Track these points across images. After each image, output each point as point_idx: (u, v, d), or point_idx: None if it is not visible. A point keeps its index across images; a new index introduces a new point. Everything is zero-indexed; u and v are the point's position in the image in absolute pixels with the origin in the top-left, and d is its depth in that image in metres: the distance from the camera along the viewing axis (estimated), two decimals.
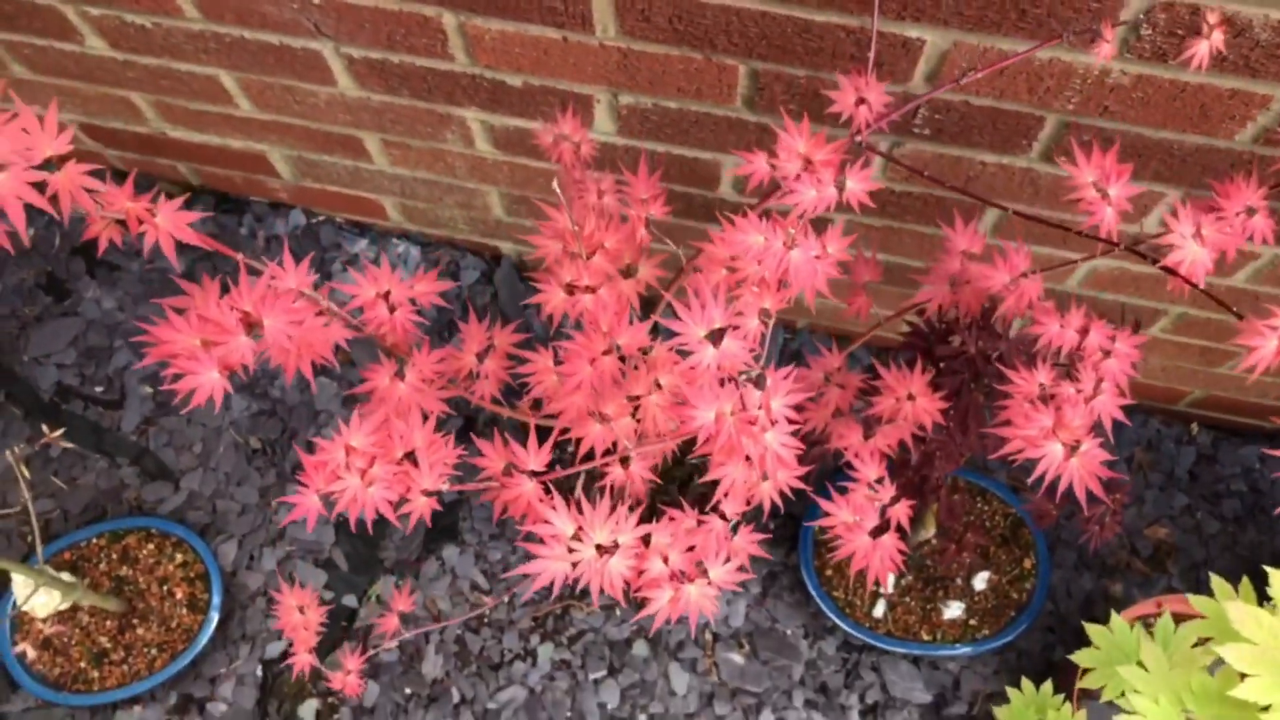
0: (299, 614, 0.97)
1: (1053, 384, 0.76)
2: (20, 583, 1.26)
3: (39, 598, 1.27)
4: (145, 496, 1.42)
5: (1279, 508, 1.45)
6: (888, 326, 0.99)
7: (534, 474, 0.70)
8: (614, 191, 0.88)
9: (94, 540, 1.36)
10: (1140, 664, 0.74)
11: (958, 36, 0.89)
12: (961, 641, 1.33)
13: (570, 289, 0.76)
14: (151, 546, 1.36)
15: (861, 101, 0.74)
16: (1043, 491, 0.75)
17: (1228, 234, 0.68)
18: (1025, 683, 0.94)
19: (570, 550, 0.63)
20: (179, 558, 1.36)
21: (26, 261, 1.53)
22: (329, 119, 1.26)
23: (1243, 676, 0.61)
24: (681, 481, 1.23)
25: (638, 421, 0.75)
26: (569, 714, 1.34)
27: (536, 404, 0.89)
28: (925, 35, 0.90)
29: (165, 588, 1.34)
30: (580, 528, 0.63)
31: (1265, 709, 0.60)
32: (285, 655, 1.35)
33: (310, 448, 1.44)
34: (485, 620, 1.37)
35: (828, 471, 1.28)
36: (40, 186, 0.55)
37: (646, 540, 0.67)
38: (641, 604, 0.70)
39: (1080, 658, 0.86)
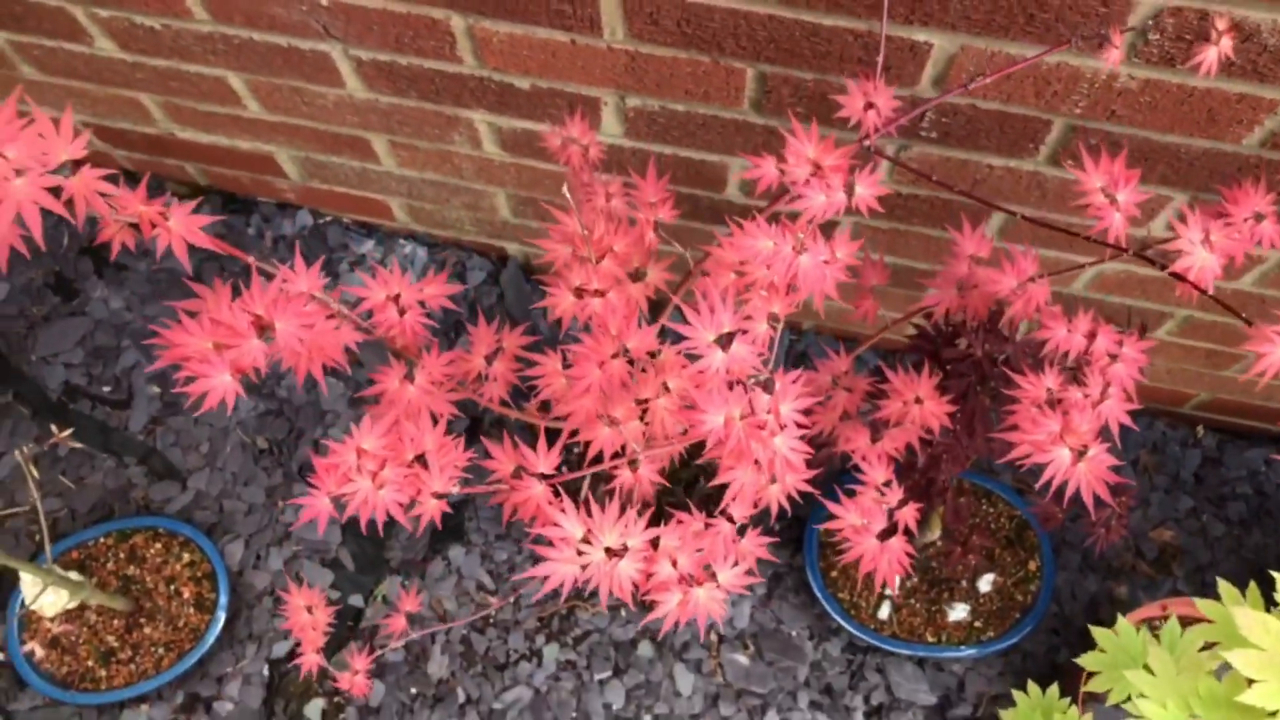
0: (307, 614, 0.98)
1: (1060, 389, 0.76)
2: (28, 582, 1.26)
3: (47, 597, 1.27)
4: (153, 496, 1.42)
5: None
6: (894, 329, 0.99)
7: (543, 477, 0.70)
8: (622, 194, 0.89)
9: (101, 539, 1.36)
10: (1147, 668, 0.74)
11: (965, 40, 0.90)
12: (966, 643, 1.33)
13: (579, 292, 0.76)
14: (159, 546, 1.37)
15: (870, 106, 0.74)
16: (1050, 496, 0.75)
17: (1236, 239, 0.68)
18: (1031, 686, 0.94)
19: (579, 553, 0.63)
20: (186, 557, 1.36)
21: (35, 261, 1.53)
22: (337, 120, 1.27)
23: (1250, 682, 0.62)
24: (687, 483, 1.23)
25: (646, 424, 0.75)
26: (574, 714, 1.34)
27: (544, 406, 0.90)
28: (933, 39, 0.90)
29: (172, 587, 1.35)
30: (589, 530, 0.63)
31: (1273, 714, 0.60)
32: (291, 654, 1.36)
33: (318, 448, 1.45)
34: (491, 620, 1.38)
35: (834, 473, 1.28)
36: (56, 191, 0.56)
37: (655, 543, 0.67)
38: (648, 606, 0.70)
39: (1086, 661, 0.86)
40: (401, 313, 0.77)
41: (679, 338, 0.65)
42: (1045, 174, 1.06)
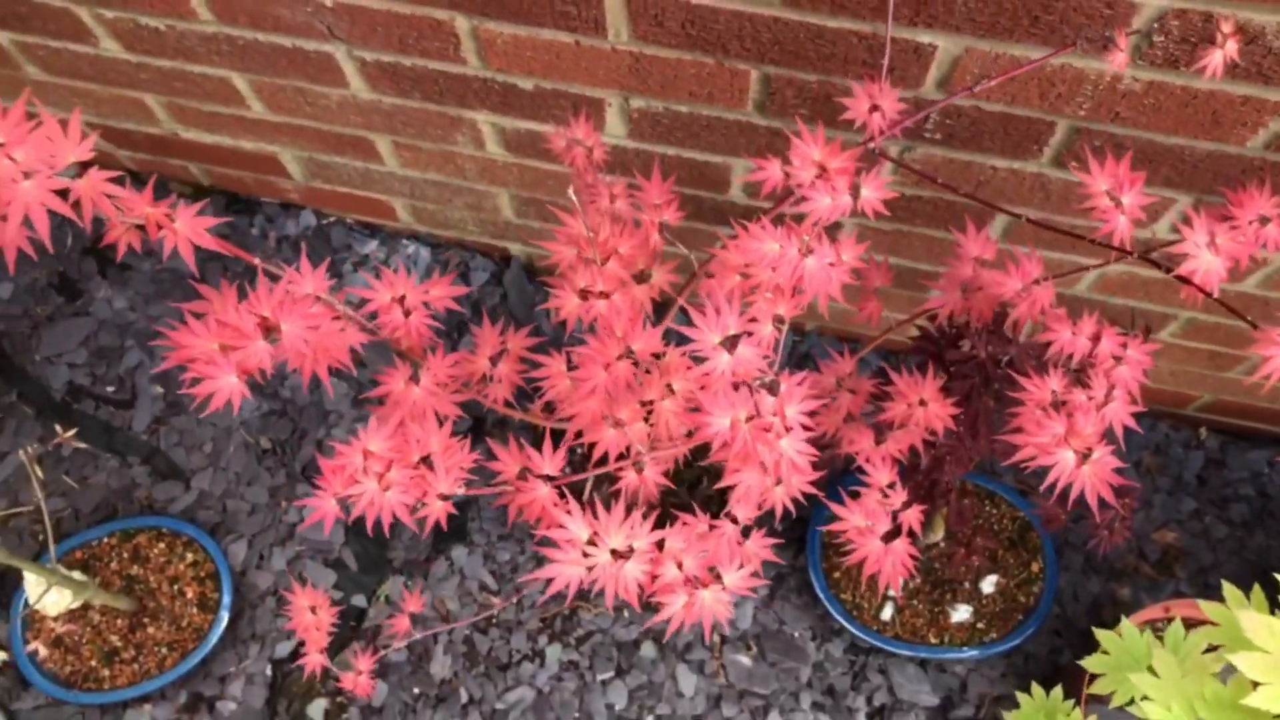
0: (311, 614, 0.98)
1: (1065, 391, 0.76)
2: (32, 581, 1.27)
3: (50, 596, 1.27)
4: (156, 496, 1.42)
5: None
6: (897, 330, 0.99)
7: (548, 478, 0.70)
8: (626, 196, 0.89)
9: (105, 539, 1.36)
10: (1151, 670, 0.74)
11: (970, 42, 0.90)
12: (969, 645, 1.33)
13: (584, 294, 0.76)
14: (162, 545, 1.37)
15: (875, 108, 0.74)
16: (1054, 498, 0.75)
17: (1241, 243, 0.68)
18: (1035, 688, 0.94)
19: (585, 555, 0.63)
20: (189, 557, 1.36)
21: (39, 261, 1.54)
22: (341, 121, 1.27)
23: (1255, 685, 0.62)
24: (690, 484, 1.23)
25: (650, 426, 0.75)
26: (577, 715, 1.34)
27: (548, 407, 0.90)
28: (938, 41, 0.90)
29: (176, 587, 1.35)
30: (595, 532, 0.63)
31: (1278, 718, 0.60)
32: (294, 654, 1.36)
33: (321, 448, 1.45)
34: (493, 621, 1.38)
35: (836, 473, 1.29)
36: (63, 193, 0.56)
37: (660, 545, 0.67)
38: (653, 607, 0.70)
39: (1090, 663, 0.86)
40: (406, 314, 0.77)
41: (683, 339, 0.65)
42: (1049, 175, 1.06)
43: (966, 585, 1.36)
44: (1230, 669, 0.67)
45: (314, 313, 0.66)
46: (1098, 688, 0.86)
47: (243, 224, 1.55)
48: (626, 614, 1.39)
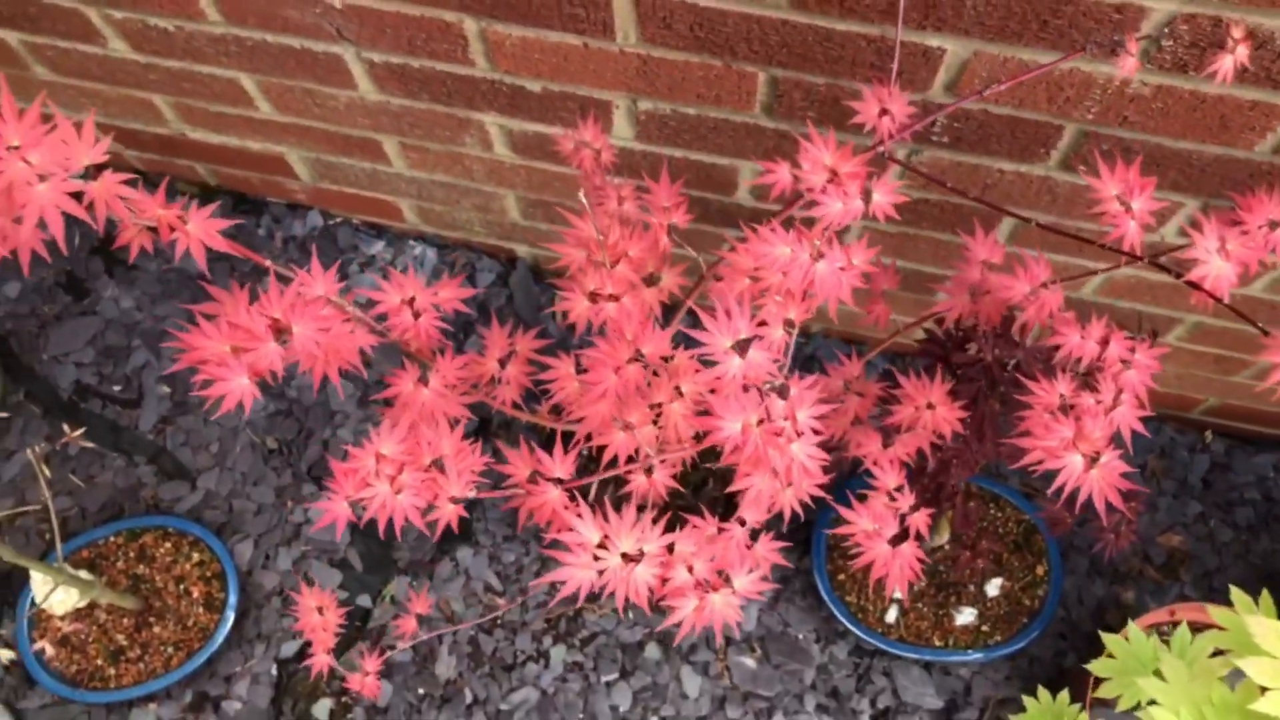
0: (318, 615, 0.98)
1: (1073, 395, 0.76)
2: (39, 580, 1.27)
3: (57, 595, 1.28)
4: (162, 495, 1.43)
5: None
6: (905, 333, 0.99)
7: (559, 481, 0.70)
8: (634, 198, 0.89)
9: (111, 538, 1.37)
10: (1158, 674, 0.74)
11: (979, 46, 0.90)
12: (973, 647, 1.33)
13: (594, 297, 0.76)
14: (168, 545, 1.37)
15: (885, 112, 0.74)
16: (1062, 503, 0.75)
17: (1251, 248, 0.68)
18: (1041, 691, 0.94)
19: (596, 558, 0.64)
20: (195, 556, 1.37)
21: (46, 260, 1.54)
22: (348, 122, 1.27)
23: (1263, 690, 0.62)
24: (695, 486, 1.23)
25: (659, 429, 0.76)
26: (581, 716, 1.34)
27: (556, 409, 0.90)
28: (946, 44, 0.90)
29: (182, 586, 1.35)
30: (606, 536, 0.63)
31: None
32: (300, 654, 1.36)
33: (327, 448, 1.45)
34: (498, 621, 1.38)
35: (843, 476, 1.29)
36: (78, 195, 0.56)
37: (670, 548, 0.67)
38: (660, 609, 0.70)
39: (1096, 667, 0.86)
40: (416, 316, 0.78)
41: (691, 342, 0.65)
42: (1056, 179, 1.06)
43: (971, 588, 1.36)
44: (1237, 674, 0.67)
45: (325, 315, 0.66)
46: (1104, 691, 0.86)
47: (249, 224, 1.55)
48: (631, 615, 1.39)
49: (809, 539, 1.38)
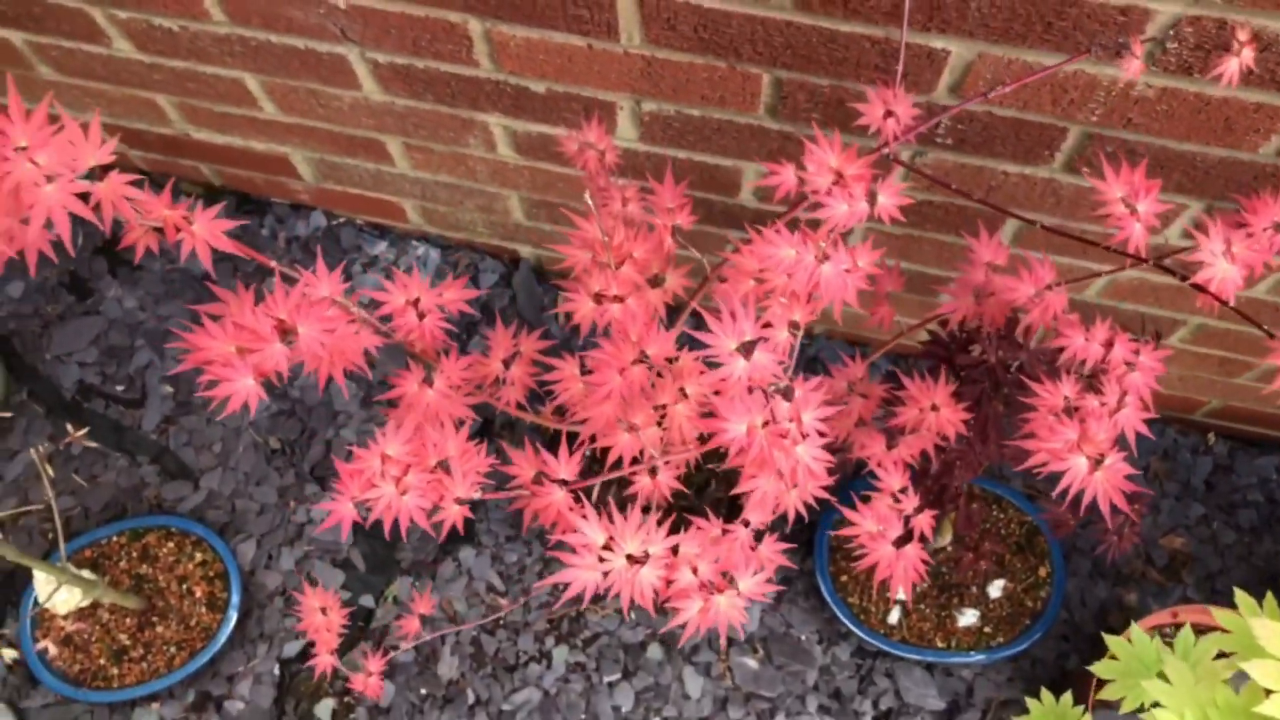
0: (321, 615, 0.98)
1: (1077, 397, 0.76)
2: (42, 580, 1.27)
3: (60, 595, 1.28)
4: (165, 495, 1.43)
5: None
6: (908, 335, 0.99)
7: (564, 483, 0.70)
8: (638, 200, 0.89)
9: (114, 538, 1.37)
10: (1162, 676, 0.74)
11: (983, 48, 0.90)
12: (976, 649, 1.33)
13: (599, 298, 0.76)
14: (171, 545, 1.37)
15: (889, 114, 0.74)
16: (1066, 505, 0.75)
17: (1256, 250, 0.68)
18: (1045, 693, 0.94)
19: (601, 560, 0.64)
20: (198, 556, 1.37)
21: (48, 260, 1.54)
22: (352, 122, 1.27)
23: (1268, 693, 0.62)
24: (698, 488, 1.23)
25: (663, 430, 0.76)
26: (583, 716, 1.34)
27: (559, 410, 0.90)
28: (951, 46, 0.90)
29: (184, 586, 1.35)
30: (611, 537, 0.64)
31: None
32: (302, 654, 1.36)
33: (330, 448, 1.44)
34: (501, 622, 1.38)
35: (846, 477, 1.29)
36: (84, 196, 0.56)
37: (675, 550, 0.67)
38: (664, 611, 0.71)
39: (1100, 669, 0.86)
40: (421, 317, 0.78)
41: (696, 344, 0.65)
42: (1060, 181, 1.06)
43: (974, 590, 1.36)
44: (1241, 676, 0.67)
45: (330, 316, 0.66)
46: (1107, 693, 0.86)
47: (253, 225, 1.55)
48: (633, 616, 1.40)
49: (811, 540, 1.38)
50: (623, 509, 0.66)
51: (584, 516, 0.63)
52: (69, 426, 1.30)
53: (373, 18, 1.05)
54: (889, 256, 1.26)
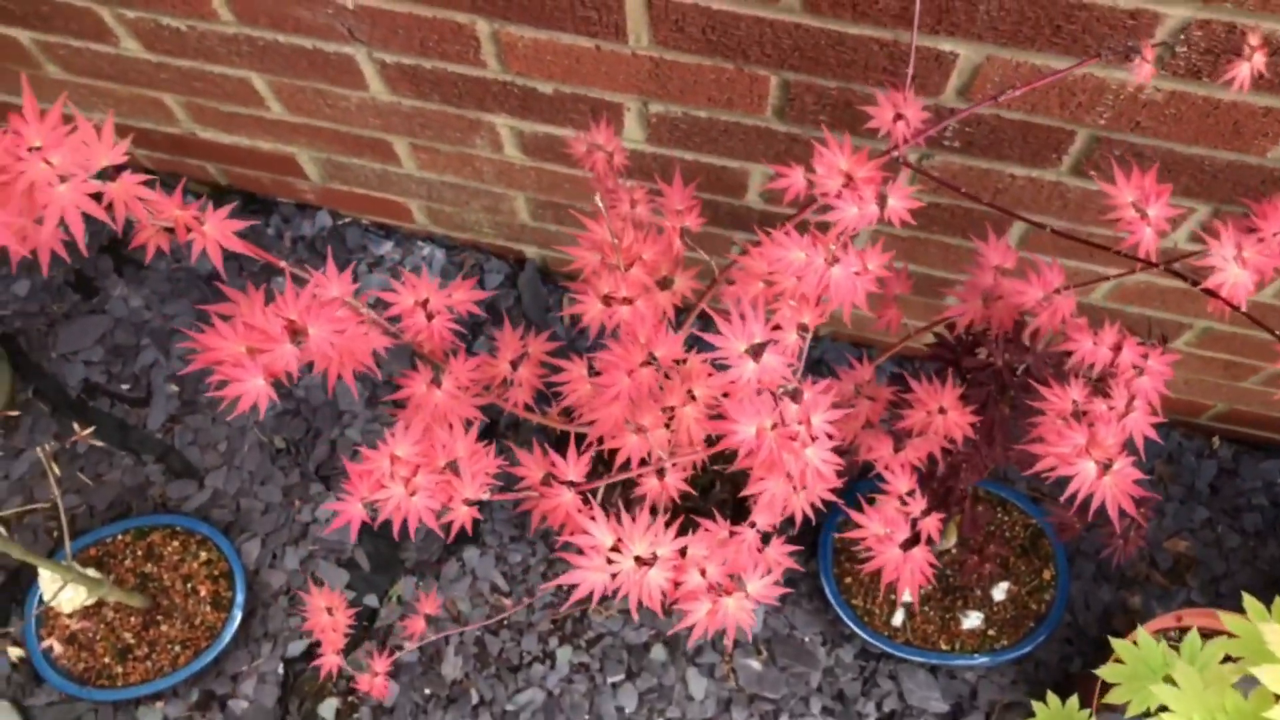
0: (327, 615, 0.98)
1: (1085, 401, 0.76)
2: (47, 578, 1.27)
3: (66, 593, 1.28)
4: (170, 494, 1.43)
5: None
6: (915, 337, 0.99)
7: (572, 484, 0.70)
8: (646, 201, 0.89)
9: (119, 537, 1.37)
10: (1170, 680, 0.74)
11: (991, 51, 0.90)
12: (980, 651, 1.33)
13: (608, 300, 0.76)
14: (176, 544, 1.37)
15: (899, 117, 0.74)
16: (1075, 509, 0.75)
17: (1267, 255, 0.68)
18: (1051, 697, 0.94)
19: (609, 561, 0.64)
20: (203, 555, 1.37)
21: (56, 259, 1.54)
22: (359, 123, 1.27)
23: (1278, 698, 0.62)
24: (703, 489, 1.23)
25: (671, 432, 0.76)
26: (586, 717, 1.35)
27: (566, 411, 0.90)
28: (959, 49, 0.90)
29: (189, 585, 1.35)
30: (619, 539, 0.64)
31: None
32: (307, 653, 1.37)
33: (335, 448, 1.44)
34: (505, 622, 1.38)
35: (851, 479, 1.29)
36: (97, 196, 0.56)
37: (683, 552, 0.67)
38: (670, 612, 0.71)
39: (1106, 673, 0.86)
40: (429, 318, 0.78)
41: (704, 345, 0.66)
42: (1067, 184, 1.06)
43: (978, 592, 1.36)
44: (1247, 681, 0.67)
45: (340, 316, 0.66)
46: (1113, 697, 0.86)
47: (259, 224, 1.56)
48: (638, 617, 1.40)
49: (816, 542, 1.38)
50: (630, 510, 0.66)
51: (592, 518, 0.63)
52: (75, 425, 1.30)
53: (380, 18, 1.05)
54: (896, 259, 1.26)
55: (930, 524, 0.83)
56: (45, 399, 1.47)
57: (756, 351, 0.63)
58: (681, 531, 0.69)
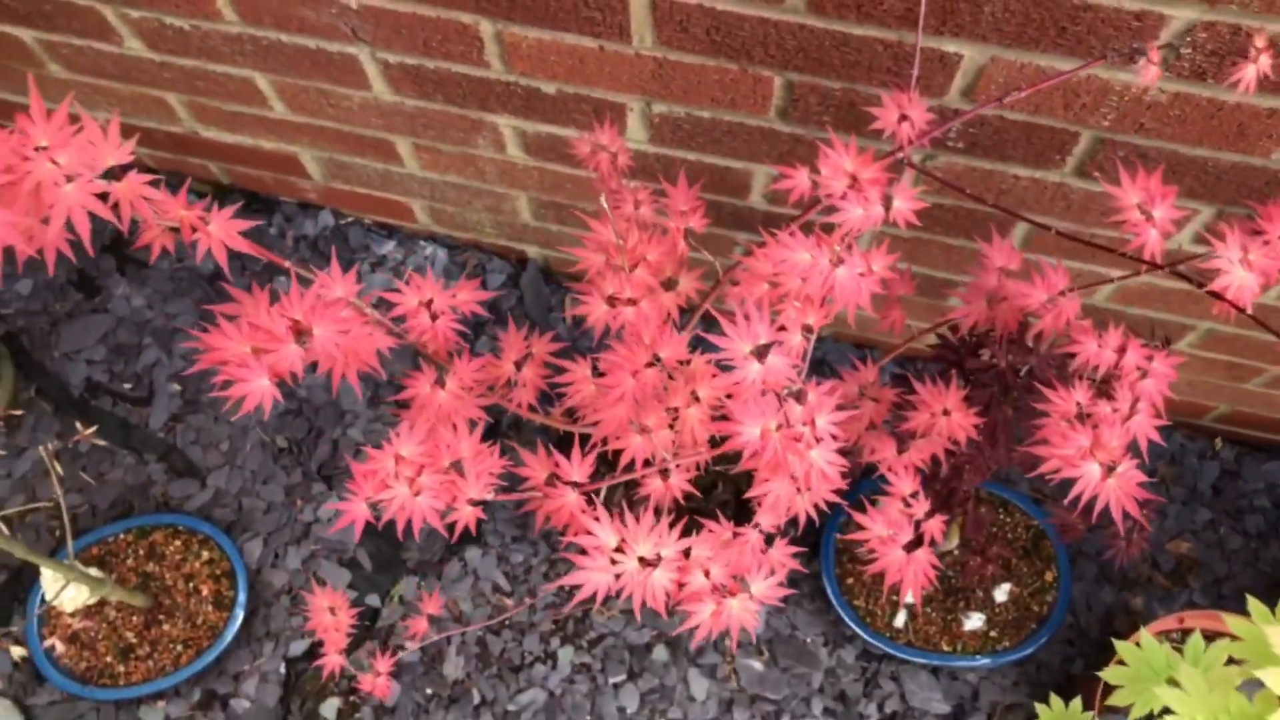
0: (330, 615, 0.98)
1: (1089, 403, 0.76)
2: (49, 577, 1.27)
3: (68, 592, 1.28)
4: (172, 493, 1.43)
5: None
6: (919, 339, 0.99)
7: (576, 485, 0.70)
8: (650, 202, 0.89)
9: (122, 536, 1.37)
10: (1174, 682, 0.74)
11: (996, 52, 0.90)
12: (981, 653, 1.33)
13: (612, 301, 0.76)
14: (178, 543, 1.37)
15: (904, 118, 0.74)
16: (1078, 511, 0.75)
17: (1272, 258, 0.68)
18: (1054, 698, 0.94)
19: (613, 562, 0.64)
20: (205, 555, 1.37)
21: (61, 258, 1.54)
22: (362, 122, 1.27)
23: None
24: (705, 489, 1.23)
25: (675, 433, 0.76)
26: (588, 717, 1.34)
27: (570, 412, 0.90)
28: (963, 50, 0.90)
29: (191, 584, 1.35)
30: (623, 540, 0.64)
31: None
32: (309, 653, 1.37)
33: (338, 447, 1.44)
34: (506, 623, 1.38)
35: (853, 481, 1.29)
36: (103, 196, 0.56)
37: (687, 553, 0.67)
38: (674, 613, 0.70)
39: (1109, 675, 0.86)
40: (434, 318, 0.78)
41: (708, 346, 0.65)
42: (1071, 185, 1.06)
43: (980, 593, 1.36)
44: (1250, 684, 0.66)
45: (344, 317, 0.66)
46: (1116, 699, 0.86)
47: (261, 223, 1.56)
48: (638, 617, 1.40)
49: (818, 543, 1.38)
50: (633, 511, 0.66)
51: (596, 519, 0.63)
52: (77, 424, 1.30)
53: (384, 18, 1.05)
54: (899, 260, 1.26)
55: (934, 526, 0.83)
56: (48, 398, 1.47)
57: (761, 353, 0.63)
58: (685, 532, 0.69)
